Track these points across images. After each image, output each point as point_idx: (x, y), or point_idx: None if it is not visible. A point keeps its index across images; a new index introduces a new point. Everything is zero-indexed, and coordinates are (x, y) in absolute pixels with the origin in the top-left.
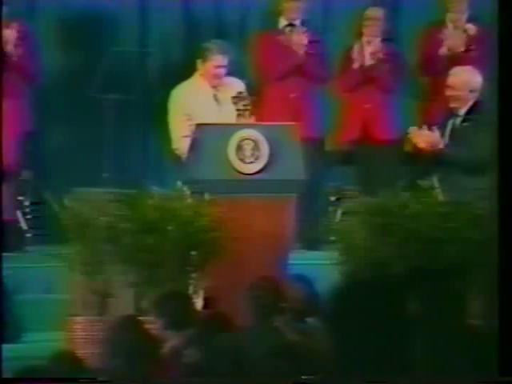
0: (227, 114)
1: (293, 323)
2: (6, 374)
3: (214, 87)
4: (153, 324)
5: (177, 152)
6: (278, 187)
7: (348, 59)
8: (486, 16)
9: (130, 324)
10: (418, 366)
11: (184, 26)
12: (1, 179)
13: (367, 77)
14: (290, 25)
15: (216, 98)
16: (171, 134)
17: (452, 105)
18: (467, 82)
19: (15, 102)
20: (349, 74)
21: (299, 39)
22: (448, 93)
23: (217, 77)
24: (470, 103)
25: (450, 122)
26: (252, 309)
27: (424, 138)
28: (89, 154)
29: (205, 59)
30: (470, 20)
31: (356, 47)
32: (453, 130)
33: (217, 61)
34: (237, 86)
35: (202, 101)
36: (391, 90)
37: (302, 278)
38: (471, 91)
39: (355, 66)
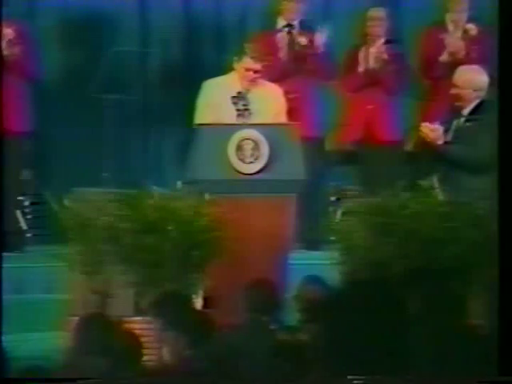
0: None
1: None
2: (6, 374)
3: (245, 88)
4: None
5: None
6: (278, 187)
7: (351, 59)
8: (486, 16)
9: (97, 322)
10: (418, 366)
11: (184, 25)
12: (1, 179)
13: (370, 77)
14: (289, 25)
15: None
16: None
17: (456, 103)
18: (471, 80)
19: (15, 101)
20: (353, 75)
21: (298, 39)
22: (452, 91)
23: (246, 79)
24: (475, 103)
25: (454, 122)
26: (247, 309)
27: (431, 131)
28: (89, 154)
29: (239, 59)
30: (470, 20)
31: (360, 48)
32: (456, 130)
33: (248, 64)
34: (269, 89)
35: (228, 97)
36: (394, 90)
37: (315, 280)
38: (475, 90)
39: (359, 66)
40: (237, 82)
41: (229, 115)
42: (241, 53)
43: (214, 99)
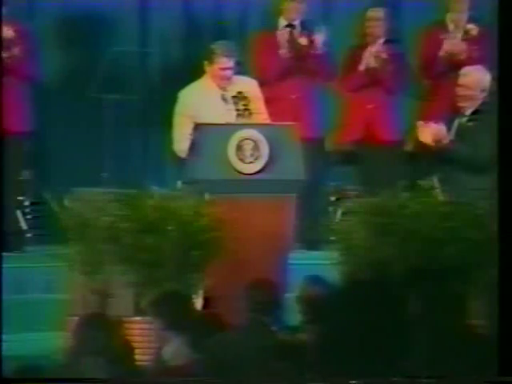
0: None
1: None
2: (6, 374)
3: (222, 88)
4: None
5: (178, 154)
6: (278, 187)
7: (351, 60)
8: (486, 16)
9: (97, 321)
10: (418, 366)
11: (184, 25)
12: (1, 179)
13: (370, 77)
14: (290, 25)
15: (224, 98)
16: (174, 135)
17: (461, 104)
18: (479, 81)
19: (15, 102)
20: (352, 75)
21: (299, 39)
22: (460, 92)
23: (223, 78)
24: (479, 103)
25: (455, 122)
26: (247, 309)
27: (431, 131)
28: (89, 154)
29: (211, 61)
30: (470, 20)
31: (359, 48)
32: (457, 130)
33: (222, 63)
34: (246, 84)
35: (209, 101)
36: (394, 90)
37: (317, 280)
38: (482, 91)
39: (359, 66)
40: (212, 84)
41: (213, 119)
42: (211, 54)
43: (195, 108)
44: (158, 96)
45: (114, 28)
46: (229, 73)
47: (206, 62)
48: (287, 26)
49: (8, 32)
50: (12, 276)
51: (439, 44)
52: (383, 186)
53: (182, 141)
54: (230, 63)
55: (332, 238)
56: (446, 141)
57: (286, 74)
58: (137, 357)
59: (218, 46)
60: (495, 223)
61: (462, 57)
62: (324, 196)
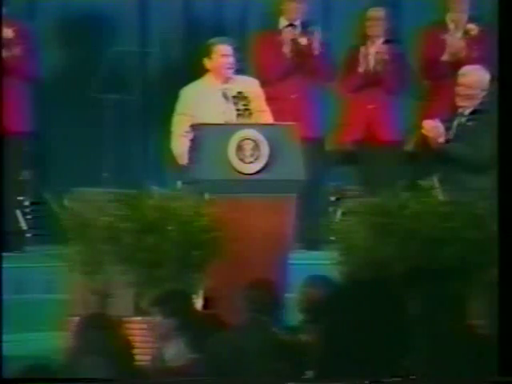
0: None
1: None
2: (6, 374)
3: (225, 82)
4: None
5: (174, 153)
6: (278, 187)
7: (351, 60)
8: (486, 16)
9: (98, 322)
10: (417, 366)
11: (184, 25)
12: (1, 179)
13: (370, 77)
14: (291, 25)
15: (225, 96)
16: (173, 137)
17: (462, 103)
18: (479, 80)
19: (15, 101)
20: (353, 75)
21: (299, 39)
22: (460, 92)
23: (226, 66)
24: (478, 102)
25: (455, 121)
26: (247, 309)
27: (433, 129)
28: (89, 154)
29: (210, 54)
30: (470, 20)
31: (360, 48)
32: (457, 129)
33: (222, 50)
34: (247, 84)
35: (210, 100)
36: (394, 90)
37: (318, 280)
38: (482, 90)
39: (359, 66)
40: (213, 82)
41: (214, 117)
42: (209, 48)
43: (195, 106)
44: (158, 96)
45: (114, 28)
46: (230, 60)
47: (205, 59)
48: (288, 26)
49: (8, 32)
50: (12, 276)
51: (439, 44)
52: (383, 186)
53: (180, 145)
54: (230, 49)
55: (332, 238)
56: (443, 139)
57: (287, 73)
58: (137, 357)
59: (214, 39)
60: (495, 223)
61: (462, 56)
62: (324, 196)
